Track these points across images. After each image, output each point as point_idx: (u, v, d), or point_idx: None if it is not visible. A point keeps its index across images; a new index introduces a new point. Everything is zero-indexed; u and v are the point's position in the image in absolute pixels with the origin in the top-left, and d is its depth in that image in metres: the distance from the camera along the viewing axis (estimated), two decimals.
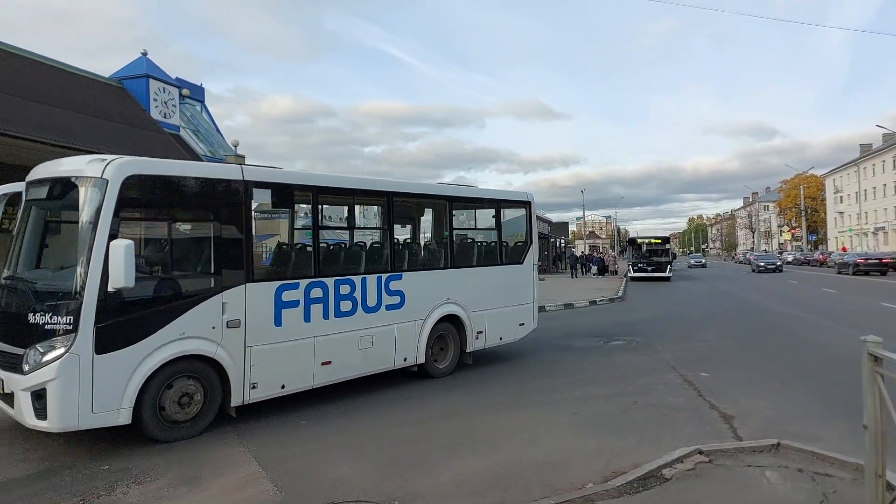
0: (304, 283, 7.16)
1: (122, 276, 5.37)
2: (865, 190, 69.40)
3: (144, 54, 21.78)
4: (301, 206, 8.57)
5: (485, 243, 10.47)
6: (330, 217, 10.99)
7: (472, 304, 9.45)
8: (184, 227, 7.10)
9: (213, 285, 6.34)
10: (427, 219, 10.70)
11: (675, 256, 43.09)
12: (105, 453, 5.72)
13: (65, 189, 5.96)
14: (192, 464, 5.49)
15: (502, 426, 6.59)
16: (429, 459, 5.55)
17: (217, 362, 6.29)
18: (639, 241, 38.44)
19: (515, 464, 5.42)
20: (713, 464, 5.19)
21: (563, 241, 58.45)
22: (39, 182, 6.25)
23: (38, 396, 5.38)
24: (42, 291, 5.78)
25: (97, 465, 5.44)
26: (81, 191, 5.72)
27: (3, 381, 5.69)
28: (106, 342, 5.51)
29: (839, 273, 39.30)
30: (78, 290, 5.43)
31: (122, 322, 5.64)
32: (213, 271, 6.40)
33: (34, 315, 5.52)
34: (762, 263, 44.94)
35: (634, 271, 34.85)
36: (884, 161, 65.25)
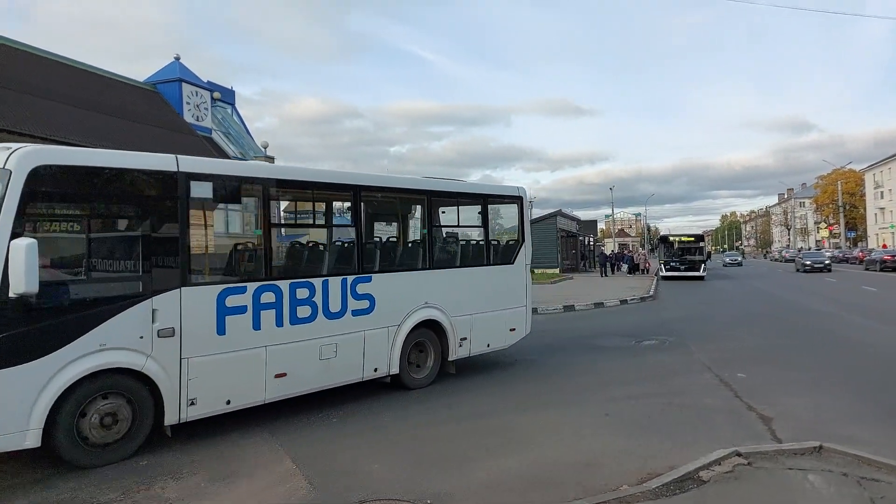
0: (252, 286, 6.45)
1: (22, 280, 4.74)
2: None
3: (177, 59, 22.26)
4: (251, 201, 7.63)
5: (469, 242, 9.83)
6: (294, 214, 9.98)
7: (455, 308, 8.70)
8: (106, 225, 6.26)
9: (140, 290, 5.66)
10: (403, 215, 9.90)
11: (709, 255, 42.06)
12: (143, 449, 5.82)
13: None
14: (228, 460, 5.59)
15: (533, 426, 6.54)
16: (460, 458, 5.53)
17: (147, 376, 5.63)
18: (671, 238, 37.82)
19: (549, 464, 5.37)
20: (752, 466, 5.06)
21: (591, 239, 57.86)
22: None
23: None
24: None
25: (136, 460, 5.57)
26: None
27: None
28: (5, 355, 4.87)
29: (866, 269, 38.26)
30: None
31: (25, 333, 5.00)
32: (141, 274, 5.74)
33: None
34: (808, 262, 39.57)
35: (666, 270, 34.28)
36: None
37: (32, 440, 5.01)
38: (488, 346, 9.39)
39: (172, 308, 5.80)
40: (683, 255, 35.29)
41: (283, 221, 8.41)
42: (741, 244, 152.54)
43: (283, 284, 6.73)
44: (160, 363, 5.70)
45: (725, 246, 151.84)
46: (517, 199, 10.22)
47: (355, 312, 7.42)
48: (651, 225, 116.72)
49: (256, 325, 6.44)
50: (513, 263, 9.90)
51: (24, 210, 5.06)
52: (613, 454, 5.59)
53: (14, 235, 4.92)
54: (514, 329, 9.81)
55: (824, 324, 14.42)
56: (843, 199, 73.52)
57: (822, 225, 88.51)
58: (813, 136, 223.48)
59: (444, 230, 9.70)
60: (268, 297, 6.57)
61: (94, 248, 5.89)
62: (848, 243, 70.98)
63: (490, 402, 7.62)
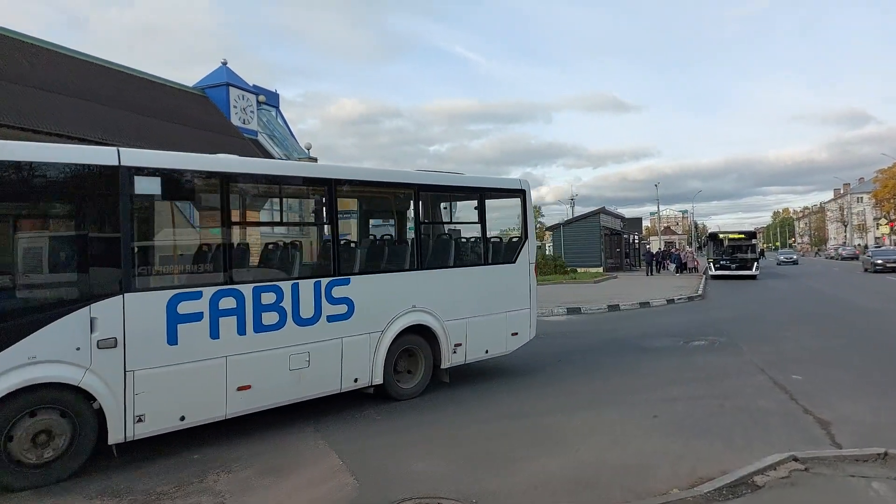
0: (209, 291, 5.87)
1: None
2: None
3: (225, 64, 22.88)
4: (209, 198, 6.74)
5: (465, 240, 9.13)
6: (270, 211, 8.83)
7: (448, 311, 8.01)
8: (36, 225, 5.73)
9: (76, 297, 5.17)
10: (386, 212, 9.29)
11: (762, 253, 40.55)
12: (194, 443, 6.00)
13: None
14: (275, 455, 5.70)
15: (579, 427, 6.45)
16: (504, 458, 5.50)
17: (86, 391, 5.15)
18: (720, 236, 36.70)
19: (594, 465, 5.28)
20: (810, 472, 4.86)
21: (636, 237, 56.77)
22: None
23: None
24: None
25: (189, 454, 5.74)
26: None
27: None
28: None
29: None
30: None
31: None
32: (76, 279, 5.24)
33: None
34: (880, 261, 34.59)
35: (716, 269, 33.27)
36: None
37: None
38: (487, 352, 8.65)
39: (114, 316, 5.26)
40: (734, 254, 34.17)
41: (247, 220, 7.64)
42: (794, 241, 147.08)
43: (246, 288, 6.14)
44: (101, 377, 5.18)
45: (777, 244, 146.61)
46: (519, 193, 9.36)
47: (331, 318, 6.80)
48: (698, 222, 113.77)
49: (214, 334, 5.87)
50: (515, 262, 9.12)
51: None
52: (662, 456, 5.46)
53: None
54: (516, 333, 9.02)
55: (885, 324, 13.75)
56: None
57: (883, 221, 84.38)
58: (870, 129, 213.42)
59: (437, 227, 9.17)
60: (227, 302, 5.98)
61: (23, 250, 5.38)
62: None
63: (532, 403, 7.55)
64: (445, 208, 9.38)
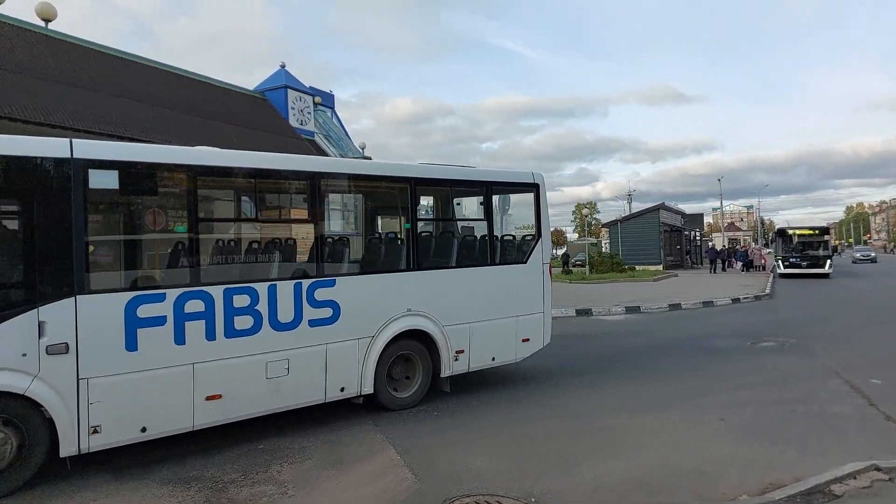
0: (173, 293, 5.45)
1: None
2: None
3: (283, 67, 23.50)
4: (174, 193, 6.13)
5: (468, 238, 8.45)
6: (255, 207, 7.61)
7: (448, 315, 7.42)
8: None
9: (22, 299, 4.82)
10: (377, 208, 8.73)
11: (836, 250, 38.30)
12: (257, 433, 6.18)
13: None
14: (335, 448, 5.81)
15: (641, 429, 6.28)
16: (566, 458, 5.42)
17: (34, 401, 4.80)
18: (789, 232, 34.95)
19: (659, 468, 5.13)
20: (894, 482, 4.56)
21: (697, 233, 54.91)
22: None
23: None
24: None
25: (254, 444, 5.93)
26: None
27: None
28: None
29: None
30: None
31: None
32: (23, 280, 4.86)
33: None
34: None
35: (785, 267, 31.72)
36: None
37: None
38: (494, 360, 8.01)
39: (65, 320, 4.90)
40: (805, 251, 32.50)
41: (219, 216, 7.06)
42: (869, 238, 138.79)
43: (216, 290, 5.67)
44: (51, 385, 4.83)
45: (850, 240, 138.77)
46: (532, 187, 8.62)
47: (314, 322, 6.31)
48: (765, 218, 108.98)
49: (180, 339, 5.45)
50: (526, 263, 8.41)
51: None
52: (730, 461, 5.25)
53: None
54: (527, 340, 8.30)
55: None
56: None
57: None
58: None
59: (444, 224, 8.65)
60: (195, 305, 5.54)
61: None
62: None
63: (592, 403, 7.41)
64: (458, 204, 8.84)
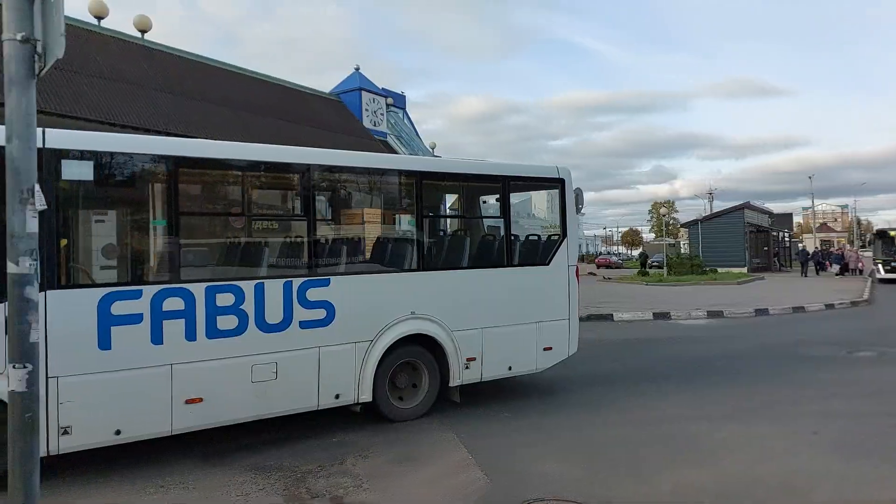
0: (150, 290, 5.20)
1: None
2: None
3: (357, 69, 24.10)
4: (154, 184, 5.75)
5: (482, 236, 8.00)
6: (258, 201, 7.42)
7: (458, 320, 6.89)
8: None
9: None
10: (378, 203, 8.18)
11: None
12: (333, 427, 6.35)
13: None
14: (407, 445, 5.89)
15: (723, 438, 5.99)
16: (639, 465, 5.25)
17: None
18: (891, 233, 32.29)
19: (742, 480, 4.88)
20: None
21: (786, 234, 51.82)
22: None
23: None
24: None
25: (329, 437, 6.11)
26: None
27: None
28: None
29: None
30: None
31: None
32: None
33: None
34: None
35: (886, 271, 29.30)
36: None
37: None
38: (510, 369, 7.39)
39: None
40: None
41: (203, 210, 6.68)
42: None
43: (197, 288, 5.40)
44: None
45: None
46: (557, 182, 7.92)
47: (305, 324, 5.95)
48: (862, 218, 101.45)
49: (157, 339, 5.20)
50: (548, 264, 7.73)
51: None
52: (821, 477, 4.92)
53: None
54: (550, 348, 7.62)
55: None
56: None
57: None
58: None
59: (448, 221, 8.10)
60: (174, 303, 5.28)
61: None
62: None
63: (671, 410, 7.13)
64: (485, 202, 8.31)
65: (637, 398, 7.66)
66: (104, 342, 4.99)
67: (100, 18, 14.61)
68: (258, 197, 7.17)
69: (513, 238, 7.67)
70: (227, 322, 5.54)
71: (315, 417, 6.23)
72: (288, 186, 7.07)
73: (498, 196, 7.84)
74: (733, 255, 36.64)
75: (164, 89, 14.31)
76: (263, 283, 5.80)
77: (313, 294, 6.03)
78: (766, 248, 42.80)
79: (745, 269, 35.41)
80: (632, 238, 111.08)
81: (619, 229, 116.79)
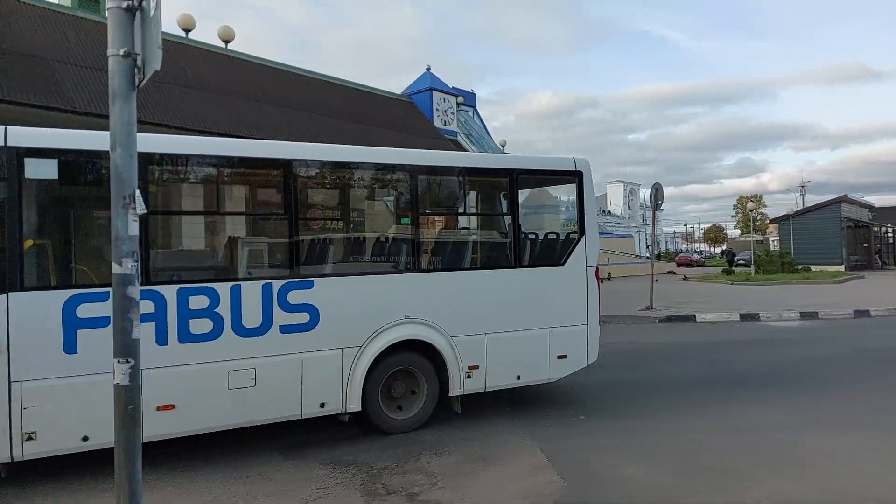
0: None
1: None
2: None
3: (428, 70, 24.32)
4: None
5: (487, 234, 7.48)
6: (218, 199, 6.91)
7: (458, 325, 6.41)
8: None
9: None
10: (368, 199, 7.66)
11: None
12: None
13: None
14: (480, 444, 5.85)
15: (819, 447, 5.59)
16: (725, 474, 4.98)
17: None
18: None
19: (839, 494, 4.54)
20: None
21: (890, 229, 47.89)
22: None
23: None
24: None
25: (402, 435, 6.14)
26: None
27: None
28: None
29: None
30: None
31: None
32: None
33: None
34: None
35: None
36: None
37: None
38: (519, 378, 6.81)
39: None
40: None
41: (178, 209, 6.40)
42: None
43: (168, 290, 5.19)
44: None
45: None
46: (574, 176, 7.26)
47: (286, 328, 5.64)
48: None
49: None
50: (563, 265, 7.11)
51: None
52: None
53: None
54: (564, 356, 6.98)
55: None
56: None
57: None
58: None
59: (449, 219, 7.71)
60: (143, 305, 5.27)
61: None
62: None
63: (760, 417, 6.73)
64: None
65: (723, 403, 7.27)
66: (69, 346, 4.85)
67: (188, 31, 15.53)
68: (240, 194, 6.87)
69: (522, 237, 7.13)
70: (200, 326, 5.30)
71: None
72: (274, 186, 6.52)
73: (506, 192, 7.24)
74: (828, 253, 34.31)
75: (246, 96, 15.00)
76: (240, 285, 5.52)
77: (295, 297, 5.70)
78: (865, 245, 39.82)
79: (842, 268, 33.08)
80: (715, 234, 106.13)
81: (701, 226, 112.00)
